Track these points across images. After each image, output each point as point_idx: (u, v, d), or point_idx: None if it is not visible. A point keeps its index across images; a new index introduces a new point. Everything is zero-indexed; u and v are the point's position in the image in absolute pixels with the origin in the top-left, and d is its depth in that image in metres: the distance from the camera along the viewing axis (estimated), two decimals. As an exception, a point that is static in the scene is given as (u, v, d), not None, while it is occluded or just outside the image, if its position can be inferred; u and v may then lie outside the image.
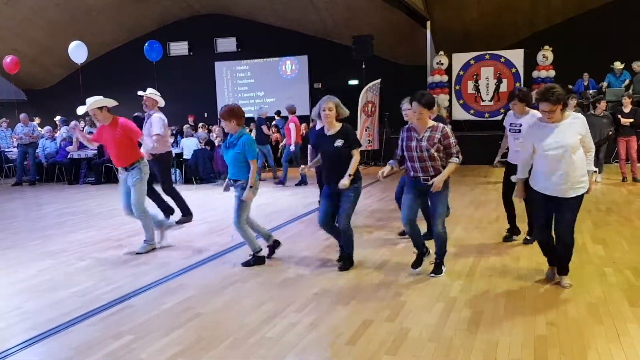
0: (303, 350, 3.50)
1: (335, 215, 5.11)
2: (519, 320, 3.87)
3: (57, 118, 16.05)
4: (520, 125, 5.54)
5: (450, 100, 15.94)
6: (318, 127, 6.34)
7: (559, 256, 4.53)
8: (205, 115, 19.24)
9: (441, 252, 4.93)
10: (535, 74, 15.01)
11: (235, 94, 20.06)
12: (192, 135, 13.37)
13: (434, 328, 3.78)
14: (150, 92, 7.37)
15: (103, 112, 5.96)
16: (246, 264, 5.48)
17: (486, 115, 15.75)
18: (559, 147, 4.20)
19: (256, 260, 5.51)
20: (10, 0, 16.59)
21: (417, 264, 5.06)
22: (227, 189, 5.55)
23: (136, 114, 9.87)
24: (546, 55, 14.89)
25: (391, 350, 3.46)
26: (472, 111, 15.80)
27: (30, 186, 13.37)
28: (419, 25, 16.03)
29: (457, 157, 4.67)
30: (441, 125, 4.74)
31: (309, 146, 7.09)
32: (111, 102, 6.02)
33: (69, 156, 13.48)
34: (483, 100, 15.74)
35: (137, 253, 6.06)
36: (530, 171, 4.54)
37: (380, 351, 3.45)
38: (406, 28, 16.30)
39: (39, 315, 4.29)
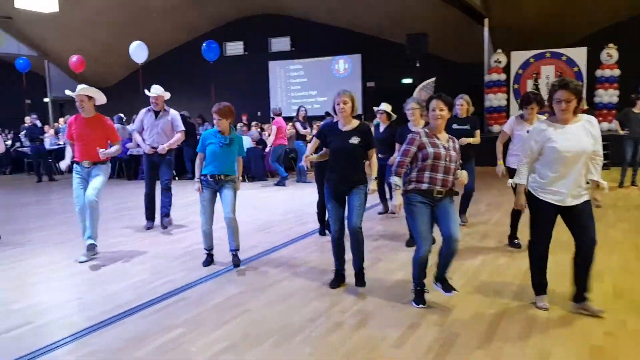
0: (348, 351, 3.49)
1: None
2: (573, 329, 3.72)
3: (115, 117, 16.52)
4: None
5: (508, 100, 15.51)
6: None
7: (584, 276, 3.96)
8: (259, 114, 19.47)
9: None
10: (599, 72, 14.41)
11: (287, 93, 20.22)
12: (245, 134, 13.57)
13: (484, 335, 3.68)
14: (159, 90, 7.46)
15: (91, 102, 5.88)
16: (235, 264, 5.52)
17: (546, 115, 15.18)
18: (578, 150, 3.81)
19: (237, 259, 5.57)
20: (76, 2, 17.30)
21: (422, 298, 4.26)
22: (203, 187, 5.46)
23: (182, 112, 10.02)
24: (611, 53, 14.26)
25: (438, 355, 3.39)
26: (530, 111, 15.31)
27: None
28: (476, 22, 15.68)
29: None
30: (454, 137, 4.28)
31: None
32: (102, 99, 5.93)
33: (128, 152, 13.96)
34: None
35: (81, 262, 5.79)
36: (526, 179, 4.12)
37: (426, 356, 3.39)
38: (462, 25, 15.98)
39: (95, 306, 4.45)
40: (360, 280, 4.68)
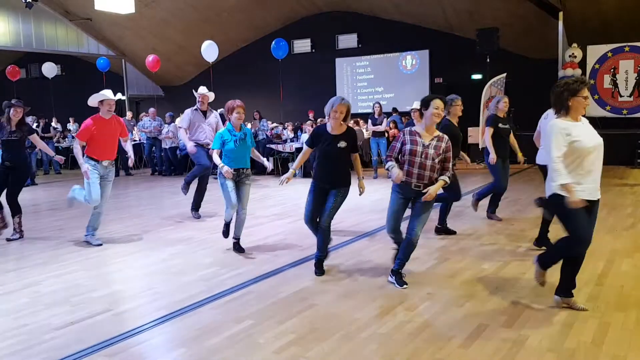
0: (415, 350, 3.49)
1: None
2: (652, 336, 3.56)
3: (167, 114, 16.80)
4: None
5: (583, 96, 14.86)
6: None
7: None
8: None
9: (404, 260, 4.78)
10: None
11: (354, 90, 20.20)
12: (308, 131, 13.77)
13: (555, 338, 3.59)
14: (204, 90, 8.06)
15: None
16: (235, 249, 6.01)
17: (624, 112, 14.53)
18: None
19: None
20: (150, 2, 18.01)
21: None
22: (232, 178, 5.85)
23: (220, 110, 10.22)
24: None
25: (506, 357, 3.34)
26: (608, 107, 14.64)
27: (163, 176, 14.52)
28: (550, 16, 15.11)
29: (449, 176, 4.58)
30: (446, 136, 4.64)
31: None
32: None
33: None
34: (621, 96, 14.53)
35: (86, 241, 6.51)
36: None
37: (494, 357, 3.34)
38: (535, 19, 15.44)
39: (168, 296, 4.65)
40: (318, 267, 5.15)
